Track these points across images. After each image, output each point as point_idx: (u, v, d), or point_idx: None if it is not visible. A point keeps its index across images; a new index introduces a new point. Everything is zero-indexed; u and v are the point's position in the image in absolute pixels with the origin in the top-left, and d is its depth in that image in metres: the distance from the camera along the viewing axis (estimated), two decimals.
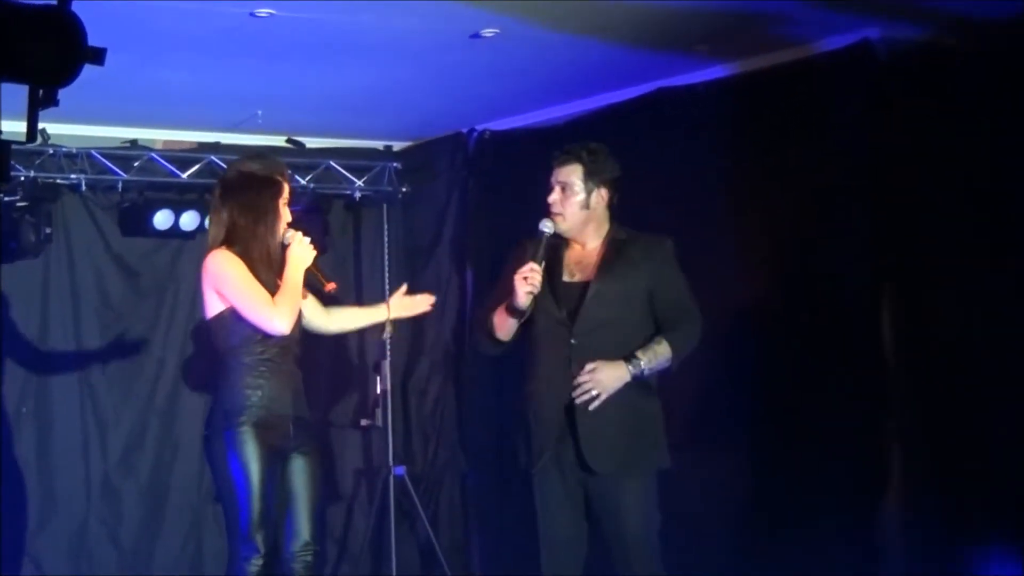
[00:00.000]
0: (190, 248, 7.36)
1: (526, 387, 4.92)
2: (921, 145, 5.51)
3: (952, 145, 5.40)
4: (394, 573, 7.57)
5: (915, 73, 5.56)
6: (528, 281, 4.73)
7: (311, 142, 7.61)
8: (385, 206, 7.91)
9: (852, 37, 5.68)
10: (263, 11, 5.24)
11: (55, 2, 2.41)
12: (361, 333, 7.41)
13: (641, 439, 4.83)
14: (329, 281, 5.11)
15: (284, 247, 4.97)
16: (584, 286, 4.83)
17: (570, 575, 4.88)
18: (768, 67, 6.10)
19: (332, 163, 7.60)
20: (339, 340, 5.68)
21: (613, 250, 4.88)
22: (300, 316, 5.09)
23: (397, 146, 8.06)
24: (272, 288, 4.89)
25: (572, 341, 4.77)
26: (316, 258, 5.05)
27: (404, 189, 7.87)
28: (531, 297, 4.77)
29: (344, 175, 7.67)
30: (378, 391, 7.62)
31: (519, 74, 6.47)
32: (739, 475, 6.08)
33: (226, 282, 4.89)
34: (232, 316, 4.89)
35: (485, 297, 5.30)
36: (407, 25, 5.51)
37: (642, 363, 4.73)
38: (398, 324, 5.45)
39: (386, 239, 7.92)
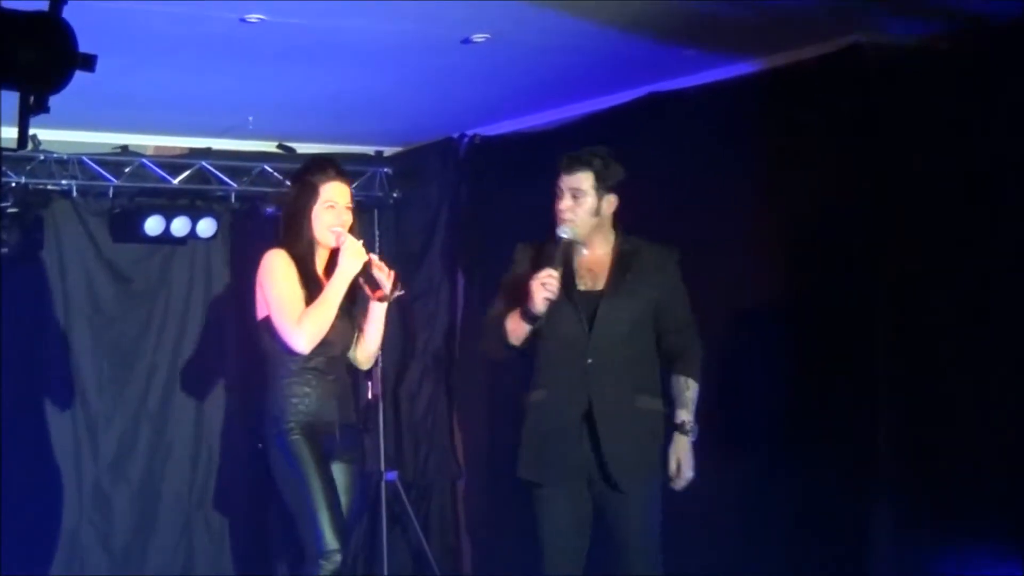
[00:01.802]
0: (181, 254, 7.37)
1: (535, 395, 4.90)
2: (911, 149, 5.52)
3: (943, 149, 5.41)
4: None
5: (905, 78, 5.57)
6: (546, 287, 4.70)
7: (302, 148, 7.60)
8: (376, 211, 7.90)
9: (841, 42, 5.69)
10: (253, 17, 5.23)
11: (46, 8, 2.41)
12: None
13: (653, 449, 4.88)
14: (376, 289, 4.95)
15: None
16: (596, 296, 4.83)
17: None
18: (758, 72, 6.12)
19: None
20: None
21: (623, 262, 4.88)
22: (353, 325, 5.04)
23: (388, 151, 8.06)
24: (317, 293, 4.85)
25: (589, 361, 4.78)
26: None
27: (395, 194, 7.87)
28: (548, 303, 4.75)
29: None
30: (369, 396, 7.62)
31: (510, 79, 6.48)
32: (728, 475, 6.07)
33: (267, 283, 4.87)
34: None
35: (487, 302, 5.27)
36: (398, 30, 5.51)
37: (689, 421, 4.87)
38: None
39: (377, 244, 7.91)
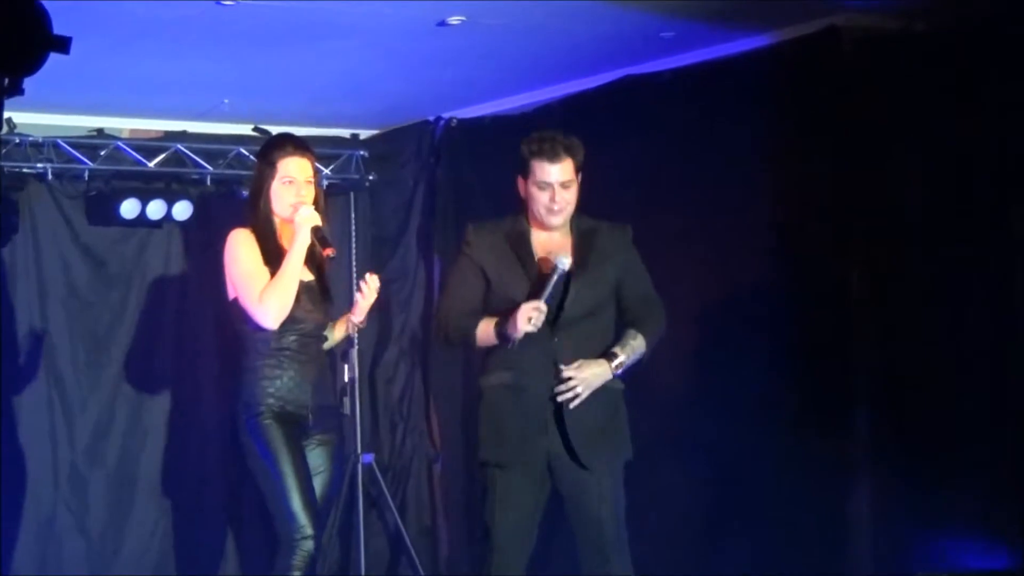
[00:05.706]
0: (157, 237, 7.34)
1: (497, 377, 4.81)
2: (888, 131, 5.54)
3: (919, 131, 5.43)
4: (362, 560, 7.58)
5: (881, 60, 5.59)
6: (532, 322, 4.59)
7: (277, 130, 7.55)
8: (352, 194, 7.90)
9: (819, 24, 5.70)
10: None
11: None
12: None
13: (614, 431, 4.85)
14: (327, 247, 4.92)
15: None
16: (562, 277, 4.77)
17: (521, 568, 4.87)
18: (735, 54, 6.12)
19: None
20: None
21: (584, 242, 4.82)
22: (325, 303, 5.02)
23: (364, 134, 8.05)
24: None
25: (555, 339, 4.73)
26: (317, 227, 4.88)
27: (371, 177, 7.86)
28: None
29: None
30: (346, 379, 7.62)
31: (486, 62, 6.48)
32: (707, 464, 6.09)
33: (230, 263, 4.85)
34: None
35: (445, 287, 5.22)
36: (374, 12, 5.50)
37: (621, 359, 4.71)
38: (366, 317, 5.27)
39: (353, 227, 7.91)
